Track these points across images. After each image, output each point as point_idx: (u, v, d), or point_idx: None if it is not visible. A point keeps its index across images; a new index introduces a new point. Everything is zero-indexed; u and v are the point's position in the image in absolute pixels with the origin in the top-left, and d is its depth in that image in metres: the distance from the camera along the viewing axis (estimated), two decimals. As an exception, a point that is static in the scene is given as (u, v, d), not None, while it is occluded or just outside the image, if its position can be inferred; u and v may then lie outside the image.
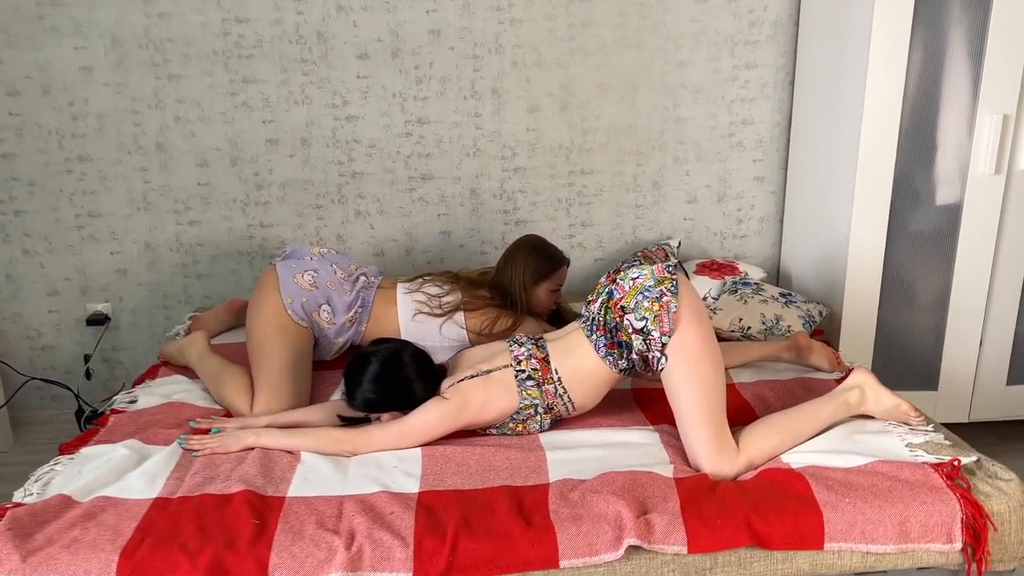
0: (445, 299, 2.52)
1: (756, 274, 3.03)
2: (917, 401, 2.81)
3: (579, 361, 2.03)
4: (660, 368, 1.92)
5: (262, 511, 1.75)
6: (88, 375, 3.16)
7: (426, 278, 2.60)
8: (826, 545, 1.69)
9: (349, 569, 1.62)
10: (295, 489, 1.85)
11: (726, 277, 2.98)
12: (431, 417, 2.01)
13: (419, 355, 2.11)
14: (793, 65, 3.09)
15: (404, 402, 2.05)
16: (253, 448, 2.01)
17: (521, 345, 2.08)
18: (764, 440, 1.93)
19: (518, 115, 3.06)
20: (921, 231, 2.70)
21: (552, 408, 2.05)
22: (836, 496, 1.73)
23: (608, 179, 3.16)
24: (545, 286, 2.57)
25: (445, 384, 2.07)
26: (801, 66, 3.03)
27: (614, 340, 1.97)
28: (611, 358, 1.98)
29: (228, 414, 2.27)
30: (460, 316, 2.49)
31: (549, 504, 1.76)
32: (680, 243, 3.16)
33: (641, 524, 1.68)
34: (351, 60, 2.95)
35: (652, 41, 3.02)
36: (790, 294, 2.77)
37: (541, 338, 2.12)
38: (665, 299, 1.91)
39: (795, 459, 1.90)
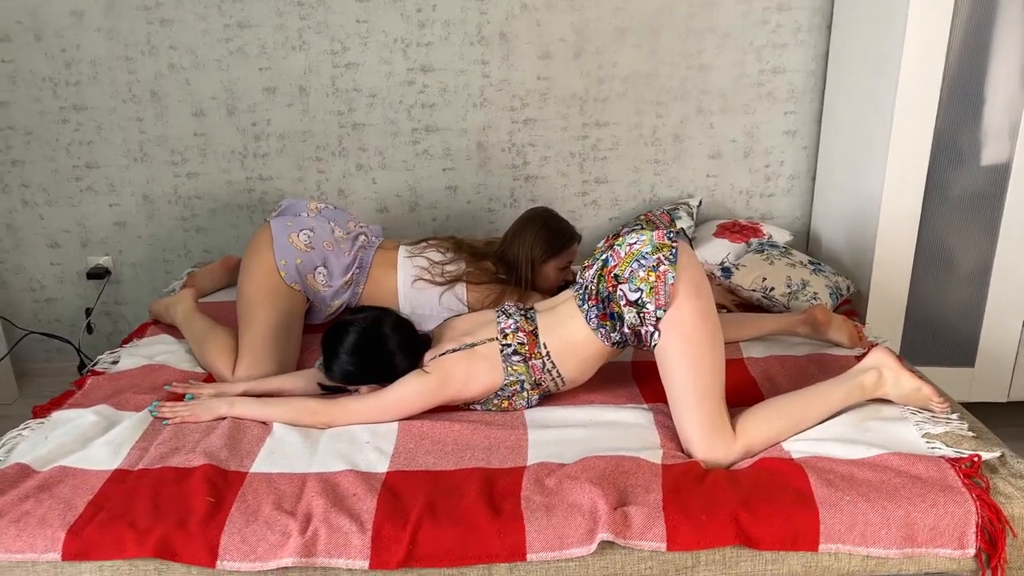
0: (448, 267, 2.38)
1: (781, 237, 2.82)
2: (952, 378, 2.61)
3: (569, 333, 1.88)
4: (653, 344, 1.77)
5: (221, 488, 1.66)
6: (89, 329, 3.12)
7: (430, 242, 2.46)
8: (821, 547, 1.54)
9: (302, 555, 1.52)
10: (259, 464, 1.76)
11: (751, 239, 2.78)
12: (410, 392, 1.89)
13: (401, 325, 1.98)
14: (831, 7, 2.82)
15: (384, 374, 1.94)
16: (225, 418, 1.93)
17: (509, 316, 1.94)
18: (766, 424, 1.76)
19: (528, 62, 2.86)
20: (963, 193, 2.46)
21: (540, 384, 1.92)
22: (836, 493, 1.57)
23: (625, 132, 2.96)
24: (554, 263, 2.41)
25: (428, 356, 1.95)
26: (840, 7, 2.76)
27: (606, 311, 1.82)
28: (603, 330, 1.83)
29: (209, 378, 2.20)
30: (461, 288, 2.36)
31: (522, 490, 1.63)
32: (701, 202, 2.95)
33: (617, 517, 1.55)
34: (350, 3, 2.77)
35: (675, -19, 2.79)
36: (818, 263, 2.56)
37: (531, 308, 1.98)
38: (662, 268, 1.74)
39: (797, 447, 1.74)
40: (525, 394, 1.93)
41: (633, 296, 1.76)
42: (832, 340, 2.20)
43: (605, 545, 1.54)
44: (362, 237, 2.43)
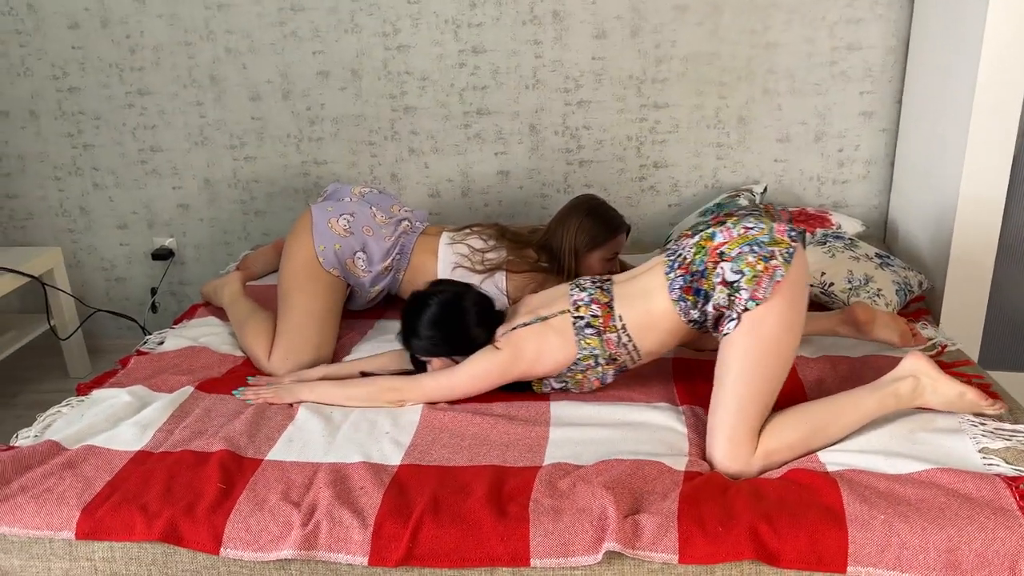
0: (488, 255, 2.32)
1: (852, 227, 2.62)
2: (1037, 385, 2.37)
3: (651, 304, 1.77)
4: (726, 332, 1.65)
5: (234, 474, 1.66)
6: (154, 308, 3.21)
7: (473, 229, 2.40)
8: (850, 569, 1.41)
9: (302, 548, 1.50)
10: (276, 452, 1.75)
11: (817, 230, 2.60)
12: (481, 368, 1.85)
13: (481, 300, 1.94)
14: (914, -23, 2.59)
15: (462, 349, 1.90)
16: (303, 402, 1.93)
17: (583, 289, 1.85)
18: (788, 431, 1.63)
19: (582, 42, 2.75)
20: (1054, 181, 2.23)
21: (615, 359, 1.82)
22: (870, 510, 1.44)
23: (685, 114, 2.81)
24: (599, 254, 2.31)
25: (500, 331, 1.90)
26: (923, -22, 2.54)
27: (692, 285, 1.70)
28: (683, 304, 1.72)
29: (247, 361, 2.21)
30: (500, 277, 2.29)
31: (532, 492, 1.56)
32: (766, 188, 2.78)
33: (627, 525, 1.46)
34: (401, -17, 2.74)
35: (740, -47, 2.62)
36: (888, 256, 2.37)
37: (608, 279, 1.89)
38: (774, 263, 1.62)
39: (834, 458, 1.60)
40: (600, 369, 1.84)
41: (732, 277, 1.64)
42: (880, 339, 2.03)
43: (614, 555, 1.46)
44: (405, 223, 2.40)
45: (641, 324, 1.78)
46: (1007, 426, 1.66)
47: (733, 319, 1.63)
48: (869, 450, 1.61)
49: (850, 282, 2.26)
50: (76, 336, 3.08)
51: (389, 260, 2.32)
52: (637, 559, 1.45)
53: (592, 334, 1.80)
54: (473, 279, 2.30)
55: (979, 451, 1.58)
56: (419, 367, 2.00)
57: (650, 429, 1.77)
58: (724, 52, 2.73)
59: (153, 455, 1.74)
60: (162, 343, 2.30)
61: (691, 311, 1.72)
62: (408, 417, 1.86)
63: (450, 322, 1.89)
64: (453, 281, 2.01)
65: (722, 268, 1.66)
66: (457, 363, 1.91)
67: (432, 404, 1.90)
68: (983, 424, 1.66)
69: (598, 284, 1.87)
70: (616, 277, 1.90)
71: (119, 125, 3.00)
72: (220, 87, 2.92)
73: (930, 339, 2.07)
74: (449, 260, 2.33)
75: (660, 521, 1.46)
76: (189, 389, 2.00)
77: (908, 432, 1.65)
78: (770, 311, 1.60)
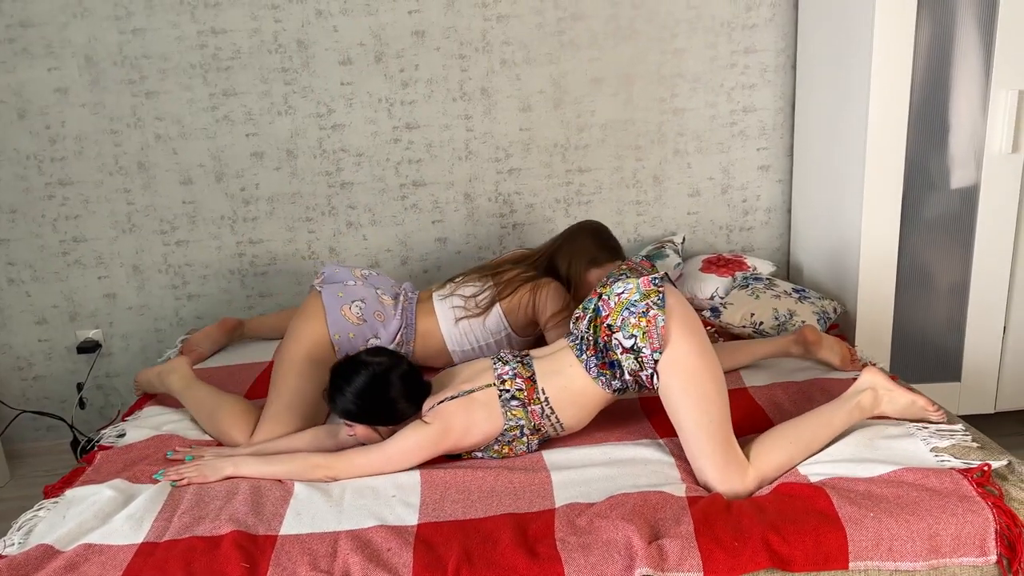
0: (480, 296, 2.40)
1: (765, 268, 2.91)
2: (940, 393, 2.70)
3: (568, 381, 1.91)
4: (656, 386, 1.82)
5: (253, 553, 1.66)
6: (82, 404, 3.07)
7: (457, 280, 2.48)
8: (851, 564, 1.58)
9: (344, 613, 1.52)
10: (288, 526, 1.75)
11: (736, 273, 2.86)
12: (411, 444, 1.91)
13: (409, 375, 1.99)
14: (794, 48, 2.96)
15: (384, 419, 1.96)
16: (232, 478, 1.93)
17: (506, 363, 1.98)
18: (776, 452, 1.82)
19: (510, 115, 2.95)
20: (936, 216, 2.58)
21: (539, 429, 1.95)
22: (859, 510, 1.62)
23: (606, 176, 3.05)
24: (597, 273, 2.41)
25: (426, 405, 1.96)
26: (803, 48, 2.90)
27: (605, 360, 1.86)
28: (603, 378, 1.88)
29: (219, 444, 2.18)
30: (497, 309, 2.38)
31: (555, 532, 1.66)
32: (684, 239, 3.04)
33: (653, 550, 1.57)
34: (333, 67, 2.84)
35: (646, 31, 2.90)
36: (803, 290, 2.66)
37: (527, 355, 2.02)
38: (652, 313, 1.79)
39: (813, 470, 1.79)
40: (525, 439, 1.95)
41: (628, 343, 1.81)
42: (824, 360, 2.27)
43: (643, 579, 1.57)
44: (403, 299, 2.43)
45: (563, 399, 1.92)
46: (945, 427, 1.91)
47: (652, 374, 1.81)
48: (840, 459, 1.81)
49: (777, 319, 2.51)
50: (-5, 442, 2.90)
51: (398, 336, 2.35)
52: (667, 580, 1.57)
53: (517, 406, 1.92)
54: (476, 324, 2.38)
55: (930, 450, 1.81)
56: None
57: (641, 463, 1.91)
58: (638, 119, 2.99)
59: (159, 545, 1.70)
60: (123, 436, 2.23)
61: (613, 382, 1.88)
62: (408, 479, 1.90)
63: (376, 395, 1.94)
64: (386, 350, 2.05)
65: (616, 339, 1.83)
66: (380, 433, 1.97)
67: (427, 464, 1.96)
68: (926, 427, 1.91)
69: (519, 359, 1.99)
70: (534, 352, 2.03)
71: (37, 217, 2.91)
72: (149, 173, 2.89)
73: (865, 361, 2.33)
74: (448, 316, 2.39)
75: (682, 543, 1.59)
76: (173, 476, 1.97)
77: (868, 441, 1.87)
78: (676, 350, 1.78)
